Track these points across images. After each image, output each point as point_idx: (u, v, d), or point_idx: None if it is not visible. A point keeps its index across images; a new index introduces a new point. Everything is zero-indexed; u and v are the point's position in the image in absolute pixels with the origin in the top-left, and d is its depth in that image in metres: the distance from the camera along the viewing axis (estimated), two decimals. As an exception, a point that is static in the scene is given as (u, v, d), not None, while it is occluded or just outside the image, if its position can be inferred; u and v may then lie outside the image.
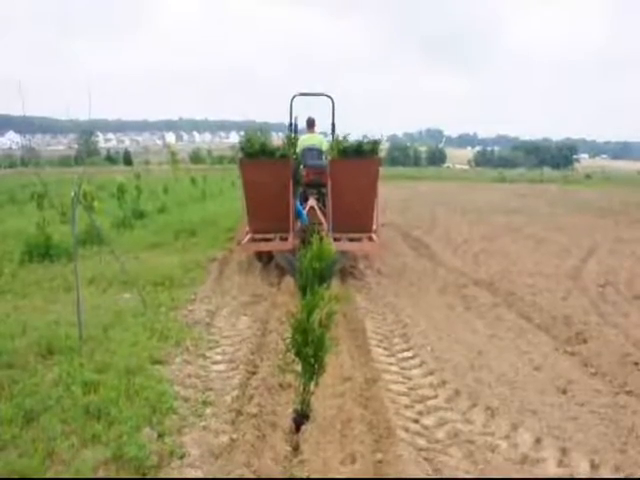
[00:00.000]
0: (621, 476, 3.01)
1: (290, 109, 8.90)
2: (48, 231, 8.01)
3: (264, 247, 7.55)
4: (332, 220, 7.33)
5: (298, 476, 2.93)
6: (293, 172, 7.53)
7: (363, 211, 7.43)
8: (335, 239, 6.99)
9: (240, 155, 7.52)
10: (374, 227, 7.64)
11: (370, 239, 7.51)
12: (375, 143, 7.42)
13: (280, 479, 2.92)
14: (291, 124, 8.96)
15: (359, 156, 7.28)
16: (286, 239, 7.23)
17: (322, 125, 9.20)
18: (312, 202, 7.85)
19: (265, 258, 8.03)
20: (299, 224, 7.59)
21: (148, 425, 3.22)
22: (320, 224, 7.48)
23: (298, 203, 7.80)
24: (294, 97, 8.89)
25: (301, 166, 8.06)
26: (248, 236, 7.51)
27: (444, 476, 2.93)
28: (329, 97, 9.11)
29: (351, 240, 7.42)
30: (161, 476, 2.83)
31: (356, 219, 7.37)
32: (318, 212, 7.73)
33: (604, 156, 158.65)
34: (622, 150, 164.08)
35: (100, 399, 3.42)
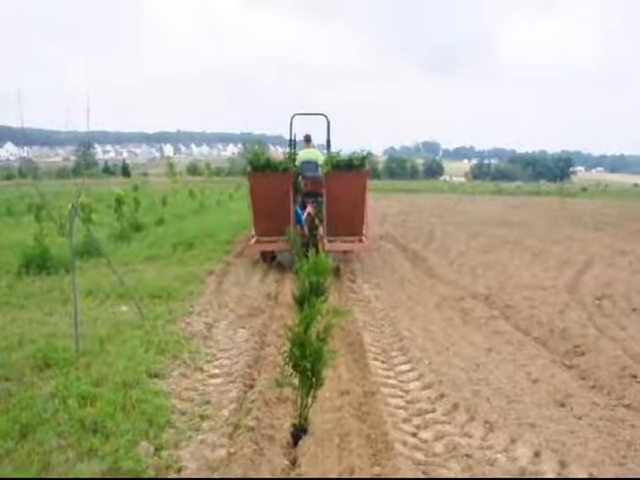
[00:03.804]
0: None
1: (290, 127, 9.89)
2: (46, 243, 7.99)
3: (268, 247, 8.73)
4: (327, 225, 8.50)
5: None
6: (293, 183, 8.64)
7: (354, 216, 8.55)
8: (330, 241, 8.39)
9: (248, 168, 8.72)
10: (364, 230, 8.78)
11: (360, 241, 8.69)
12: (363, 158, 8.62)
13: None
14: (291, 140, 9.98)
15: (350, 169, 8.42)
16: (287, 240, 8.22)
17: (319, 138, 9.85)
18: (310, 209, 8.92)
19: (269, 258, 9.11)
20: (298, 228, 8.58)
21: (145, 439, 3.20)
22: (316, 228, 8.67)
23: (298, 209, 8.85)
24: (293, 117, 9.90)
25: (300, 177, 9.07)
26: (254, 239, 8.74)
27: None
28: (324, 116, 10.06)
29: (344, 242, 8.63)
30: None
31: (348, 223, 8.52)
32: (315, 218, 8.80)
33: (600, 169, 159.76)
34: (618, 163, 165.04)
35: (96, 412, 3.39)
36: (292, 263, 7.79)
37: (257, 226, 8.77)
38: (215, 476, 2.93)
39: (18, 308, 5.99)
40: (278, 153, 10.08)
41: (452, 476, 3.02)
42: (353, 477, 2.92)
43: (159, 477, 2.88)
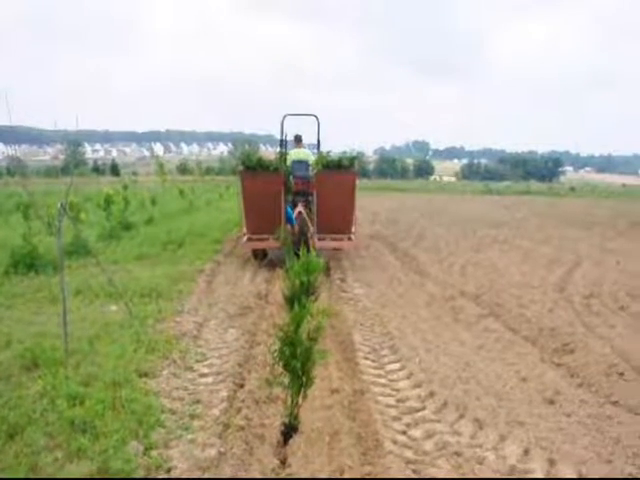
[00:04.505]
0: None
1: (281, 128, 9.99)
2: (34, 242, 7.93)
3: (259, 245, 8.96)
4: (317, 223, 8.75)
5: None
6: (284, 182, 8.82)
7: (343, 215, 8.88)
8: (320, 239, 8.66)
9: (240, 167, 8.98)
10: (353, 229, 9.14)
11: (349, 239, 9.06)
12: (352, 158, 9.00)
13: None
14: (282, 140, 10.06)
15: (339, 169, 8.77)
16: (278, 238, 8.42)
17: (310, 138, 10.05)
18: (300, 208, 9.07)
19: (260, 255, 9.33)
20: (289, 227, 8.70)
21: (134, 438, 3.18)
22: (307, 226, 8.78)
23: (289, 208, 9.01)
24: (285, 117, 10.02)
25: (291, 177, 9.20)
26: (246, 236, 8.93)
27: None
28: (315, 117, 10.27)
29: (333, 239, 8.95)
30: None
31: (337, 222, 8.82)
32: (305, 216, 8.95)
33: (588, 169, 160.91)
34: (606, 163, 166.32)
35: (86, 412, 3.37)
36: (283, 261, 7.84)
37: (248, 224, 8.96)
38: (206, 476, 2.92)
39: (5, 308, 5.95)
40: (269, 153, 10.20)
41: (442, 475, 3.03)
42: (344, 477, 2.92)
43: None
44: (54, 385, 3.75)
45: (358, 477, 2.95)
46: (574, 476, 3.09)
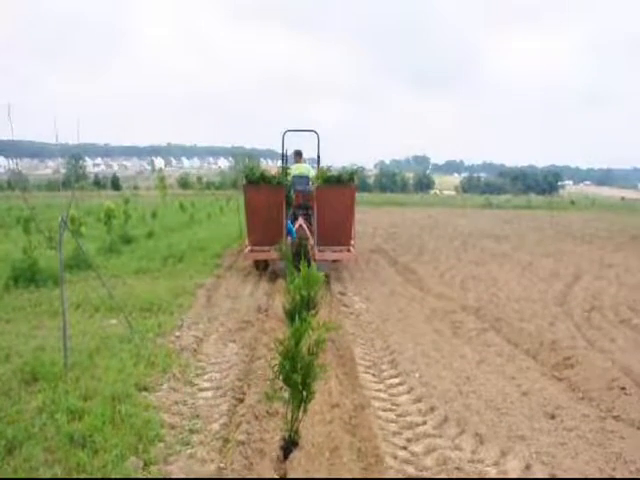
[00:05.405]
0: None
1: (282, 143, 10.32)
2: (34, 256, 7.93)
3: (261, 256, 9.08)
4: (317, 235, 8.96)
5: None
6: (286, 195, 9.03)
7: (343, 228, 9.10)
8: (320, 251, 8.84)
9: (243, 181, 9.17)
10: (352, 241, 9.35)
11: (349, 251, 9.24)
12: (352, 173, 9.17)
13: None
14: (283, 155, 10.46)
15: (339, 184, 8.94)
16: (279, 250, 8.41)
17: (310, 152, 10.29)
18: (301, 221, 9.35)
19: (262, 266, 9.54)
20: (289, 240, 8.82)
21: (134, 454, 3.16)
22: (307, 239, 8.92)
23: (289, 222, 9.25)
24: (285, 133, 10.35)
25: (292, 191, 9.48)
26: (248, 248, 9.13)
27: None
28: (315, 132, 10.58)
29: (333, 252, 9.09)
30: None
31: (337, 234, 9.04)
32: (306, 229, 9.18)
33: (588, 182, 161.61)
34: (605, 177, 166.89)
35: (85, 427, 3.36)
36: (284, 272, 7.92)
37: (251, 236, 9.13)
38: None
39: (5, 322, 5.94)
40: (270, 167, 10.56)
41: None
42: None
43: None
44: (53, 399, 3.73)
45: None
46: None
